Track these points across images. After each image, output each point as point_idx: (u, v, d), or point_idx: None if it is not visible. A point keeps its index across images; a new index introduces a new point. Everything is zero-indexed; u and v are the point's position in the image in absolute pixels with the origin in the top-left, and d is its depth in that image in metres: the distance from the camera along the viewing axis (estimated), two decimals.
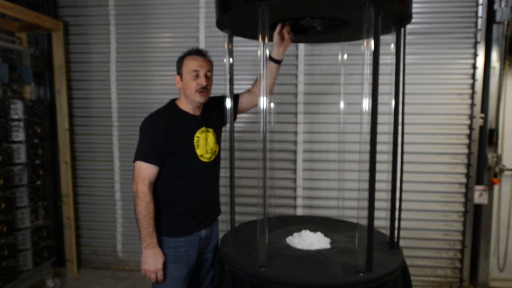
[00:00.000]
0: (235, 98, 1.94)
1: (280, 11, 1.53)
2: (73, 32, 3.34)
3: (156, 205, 1.68)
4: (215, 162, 1.83)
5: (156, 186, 1.72)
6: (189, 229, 1.74)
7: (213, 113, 1.85)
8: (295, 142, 3.16)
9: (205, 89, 1.71)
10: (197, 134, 1.74)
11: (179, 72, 1.73)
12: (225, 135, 1.98)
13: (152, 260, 1.65)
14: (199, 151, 1.74)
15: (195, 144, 1.73)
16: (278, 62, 1.87)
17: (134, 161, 1.67)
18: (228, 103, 1.85)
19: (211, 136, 1.80)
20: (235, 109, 1.94)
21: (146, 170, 1.63)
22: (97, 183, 3.45)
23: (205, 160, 1.76)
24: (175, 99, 1.81)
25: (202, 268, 1.89)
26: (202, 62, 1.71)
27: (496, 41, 2.90)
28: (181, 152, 1.70)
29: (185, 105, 1.76)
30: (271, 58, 1.87)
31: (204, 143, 1.76)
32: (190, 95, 1.71)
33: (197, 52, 1.74)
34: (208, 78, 1.73)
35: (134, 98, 3.33)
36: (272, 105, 2.89)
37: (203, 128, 1.77)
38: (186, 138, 1.72)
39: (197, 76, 1.69)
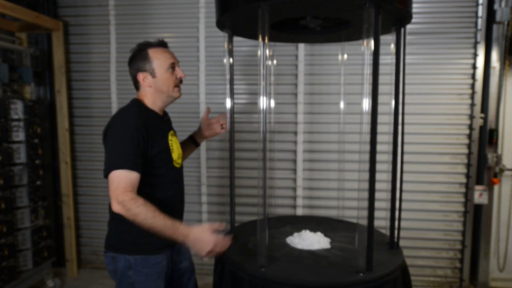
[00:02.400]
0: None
1: (280, 11, 1.53)
2: (73, 32, 3.34)
3: (126, 221, 1.39)
4: (182, 167, 1.70)
5: None
6: (168, 243, 1.51)
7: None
8: (295, 142, 3.16)
9: (181, 83, 1.59)
10: (169, 137, 1.60)
11: (144, 68, 1.52)
12: (225, 135, 1.98)
13: (202, 243, 1.38)
14: (174, 156, 1.59)
15: (170, 148, 1.58)
16: (197, 145, 1.88)
17: (106, 175, 1.39)
18: (228, 103, 1.85)
19: (176, 140, 1.66)
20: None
21: (127, 178, 1.37)
22: (97, 183, 3.45)
23: (177, 165, 1.62)
24: (137, 99, 1.59)
25: (182, 278, 1.73)
26: (172, 54, 1.58)
27: (496, 41, 2.90)
28: (160, 157, 1.51)
29: (154, 105, 1.57)
30: (193, 140, 1.87)
31: (176, 147, 1.62)
32: (167, 92, 1.54)
33: (163, 44, 1.58)
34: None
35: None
36: (272, 105, 2.89)
37: (172, 131, 1.64)
38: (163, 142, 1.55)
39: (174, 69, 1.55)
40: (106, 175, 1.40)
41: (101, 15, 3.28)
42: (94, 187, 3.46)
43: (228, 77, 1.87)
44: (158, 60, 1.52)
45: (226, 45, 1.85)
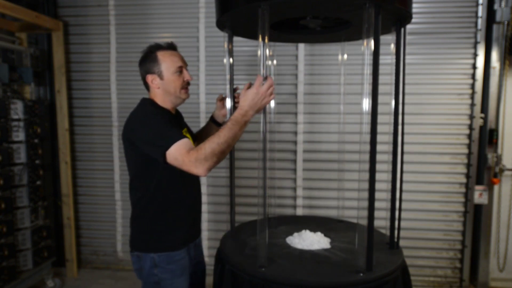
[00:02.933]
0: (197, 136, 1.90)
1: (280, 11, 1.53)
2: (73, 32, 3.34)
3: (150, 218, 1.54)
4: None
5: (148, 195, 1.56)
6: (190, 238, 1.66)
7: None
8: (295, 142, 3.16)
9: (188, 85, 1.63)
10: (184, 133, 1.60)
11: (153, 71, 1.57)
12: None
13: (256, 100, 1.38)
14: None
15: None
16: (218, 125, 1.88)
17: (163, 155, 1.38)
18: (228, 103, 1.84)
19: (190, 137, 1.66)
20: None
21: (180, 147, 1.36)
22: (97, 183, 3.45)
23: None
24: (149, 98, 1.64)
25: (196, 275, 1.79)
26: (181, 57, 1.61)
27: (496, 41, 2.90)
28: None
29: (165, 104, 1.62)
30: (213, 120, 1.90)
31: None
32: (175, 93, 1.59)
33: (172, 47, 1.62)
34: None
35: (134, 98, 3.29)
36: (272, 105, 2.89)
37: (185, 129, 1.69)
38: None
39: (181, 72, 1.59)
40: (164, 160, 1.39)
41: (101, 15, 3.28)
42: (94, 187, 3.46)
43: (228, 77, 1.87)
44: (166, 63, 1.56)
45: (226, 45, 1.85)
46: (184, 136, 1.41)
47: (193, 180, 1.67)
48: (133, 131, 1.50)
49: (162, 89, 1.59)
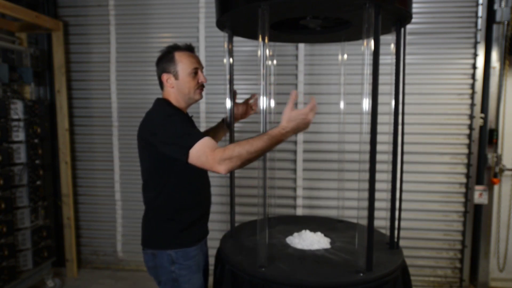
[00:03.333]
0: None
1: (280, 11, 1.53)
2: (73, 32, 3.34)
3: (166, 216, 1.58)
4: None
5: (164, 194, 1.59)
6: (203, 234, 1.71)
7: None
8: (295, 142, 3.16)
9: (203, 86, 1.66)
10: None
11: (169, 70, 1.59)
12: (225, 135, 1.98)
13: (298, 121, 1.36)
14: None
15: None
16: (228, 126, 1.91)
17: (186, 159, 1.40)
18: (228, 103, 1.85)
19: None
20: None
21: (204, 146, 1.37)
22: (97, 183, 3.45)
23: None
24: (163, 98, 1.66)
25: (204, 272, 1.79)
26: (198, 59, 1.65)
27: (496, 41, 2.90)
28: None
29: (178, 104, 1.64)
30: (224, 121, 1.95)
31: None
32: (189, 94, 1.61)
33: (190, 49, 1.64)
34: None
35: (134, 98, 3.33)
36: (272, 105, 2.89)
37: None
38: None
39: (196, 73, 1.61)
40: (186, 160, 1.40)
41: (101, 15, 3.28)
42: (94, 187, 3.46)
43: (228, 77, 1.87)
44: (182, 63, 1.59)
45: (226, 45, 1.85)
46: (205, 135, 1.43)
47: (206, 179, 1.73)
48: (152, 132, 1.51)
49: (177, 89, 1.61)
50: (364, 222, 1.48)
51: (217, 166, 1.35)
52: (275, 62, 3.01)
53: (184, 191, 1.59)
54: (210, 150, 1.36)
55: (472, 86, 2.97)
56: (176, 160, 1.45)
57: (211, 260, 1.83)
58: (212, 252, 1.81)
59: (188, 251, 1.60)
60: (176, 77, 1.59)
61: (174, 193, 1.59)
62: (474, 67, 2.95)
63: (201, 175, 1.68)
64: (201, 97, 1.66)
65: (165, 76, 1.61)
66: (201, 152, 1.37)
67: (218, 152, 1.34)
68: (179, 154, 1.41)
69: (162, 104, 1.61)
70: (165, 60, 1.61)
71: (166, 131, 1.46)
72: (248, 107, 1.96)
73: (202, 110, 3.23)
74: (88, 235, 3.52)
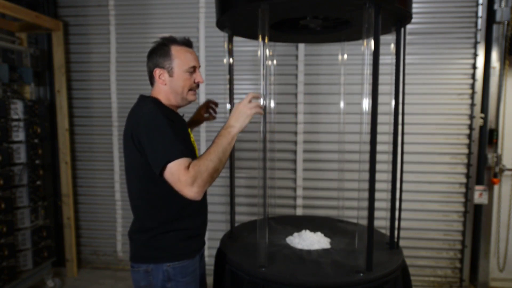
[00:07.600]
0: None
1: (280, 11, 1.53)
2: (73, 32, 3.34)
3: (163, 228, 1.40)
4: None
5: (160, 204, 1.41)
6: (200, 245, 1.53)
7: None
8: (295, 142, 3.16)
9: (198, 87, 1.51)
10: (191, 136, 1.55)
11: (163, 65, 1.42)
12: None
13: (241, 113, 1.40)
14: (196, 153, 1.54)
15: (194, 144, 1.54)
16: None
17: (161, 169, 1.28)
18: (228, 103, 1.85)
19: (195, 148, 1.57)
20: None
21: (180, 166, 1.27)
22: (97, 183, 3.45)
23: None
24: (149, 96, 1.49)
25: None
26: (196, 56, 1.48)
27: (496, 41, 2.90)
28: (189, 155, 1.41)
29: (169, 103, 1.48)
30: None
31: (195, 144, 1.56)
32: (182, 93, 1.45)
33: (188, 44, 1.47)
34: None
35: (134, 98, 3.26)
36: (272, 105, 2.89)
37: (189, 130, 1.57)
38: (188, 140, 1.48)
39: (193, 72, 1.46)
40: (160, 172, 1.30)
41: (101, 15, 3.28)
42: (94, 187, 3.46)
43: (228, 77, 1.87)
44: (179, 59, 1.43)
45: (226, 45, 1.85)
46: (183, 153, 1.30)
47: None
48: (139, 132, 1.35)
49: (169, 86, 1.44)
50: (364, 222, 1.48)
51: (188, 191, 1.27)
52: (275, 62, 3.01)
53: (180, 201, 1.36)
54: (182, 173, 1.26)
55: (472, 86, 2.97)
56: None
57: (211, 260, 1.82)
58: (212, 252, 1.81)
59: (187, 266, 1.43)
60: (170, 73, 1.43)
61: (169, 202, 1.41)
62: (474, 67, 2.95)
63: None
64: (195, 98, 1.51)
65: (157, 72, 1.43)
66: (174, 174, 1.27)
67: (188, 173, 1.26)
68: (155, 164, 1.30)
69: (149, 102, 1.43)
70: (160, 53, 1.43)
71: (151, 135, 1.32)
72: (203, 111, 1.90)
73: None
74: (88, 235, 3.52)
